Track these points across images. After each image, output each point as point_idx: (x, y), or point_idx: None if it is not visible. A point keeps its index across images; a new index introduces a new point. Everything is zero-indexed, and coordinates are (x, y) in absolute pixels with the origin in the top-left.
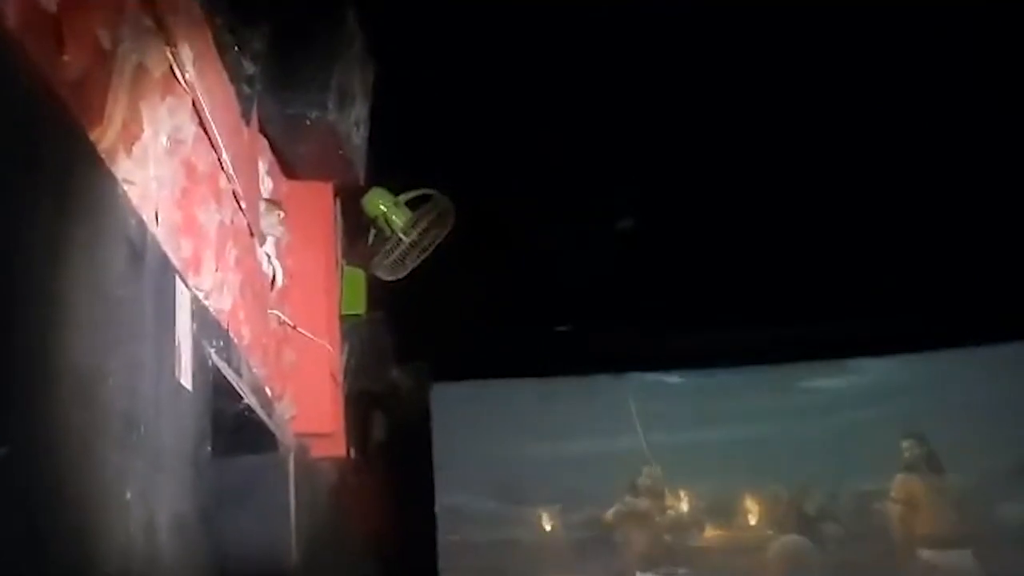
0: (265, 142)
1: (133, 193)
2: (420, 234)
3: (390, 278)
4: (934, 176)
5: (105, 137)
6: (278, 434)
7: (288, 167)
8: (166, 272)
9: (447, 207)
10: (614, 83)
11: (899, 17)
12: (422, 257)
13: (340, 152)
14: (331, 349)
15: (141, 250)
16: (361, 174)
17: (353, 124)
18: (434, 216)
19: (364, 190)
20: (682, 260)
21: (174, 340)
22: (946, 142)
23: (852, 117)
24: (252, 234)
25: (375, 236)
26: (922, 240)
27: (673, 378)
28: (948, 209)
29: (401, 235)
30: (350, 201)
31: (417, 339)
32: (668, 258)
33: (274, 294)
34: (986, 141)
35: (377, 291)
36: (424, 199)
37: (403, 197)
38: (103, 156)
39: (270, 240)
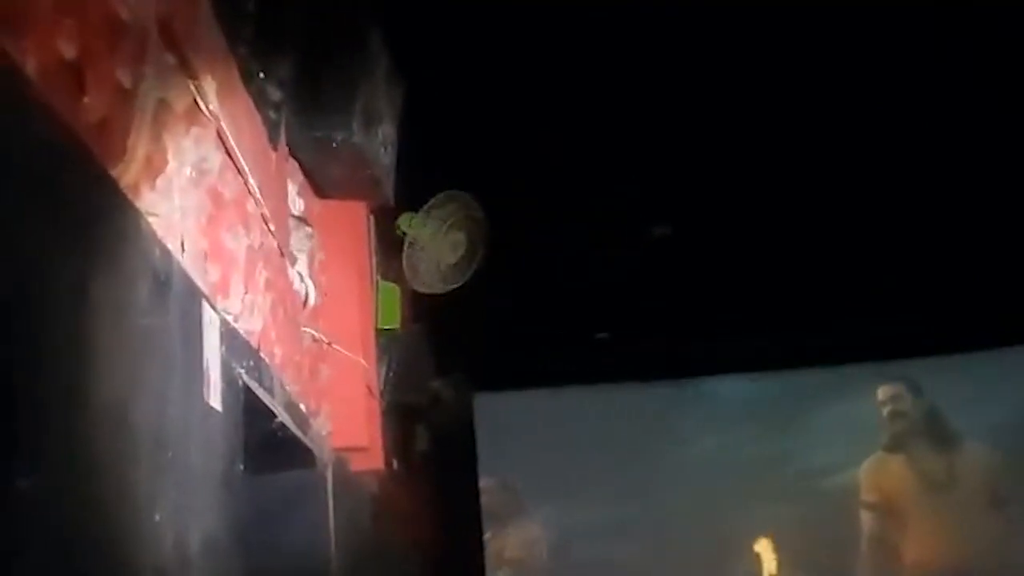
0: (295, 164)
1: (157, 225)
2: (434, 230)
3: (430, 291)
4: (962, 181)
5: (127, 173)
6: (315, 450)
7: (319, 188)
8: (193, 298)
9: (463, 200)
10: (649, 91)
11: (902, 25)
12: (468, 261)
13: (368, 172)
14: (366, 364)
15: (167, 279)
16: (390, 193)
17: (380, 145)
18: (447, 208)
19: (398, 205)
20: (722, 264)
21: (202, 363)
22: (987, 151)
23: (893, 121)
24: (283, 255)
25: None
26: (973, 240)
27: (717, 384)
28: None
29: (404, 230)
30: (385, 218)
31: (458, 350)
32: (708, 262)
33: (308, 312)
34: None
35: (417, 304)
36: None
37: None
38: (125, 191)
39: (302, 259)
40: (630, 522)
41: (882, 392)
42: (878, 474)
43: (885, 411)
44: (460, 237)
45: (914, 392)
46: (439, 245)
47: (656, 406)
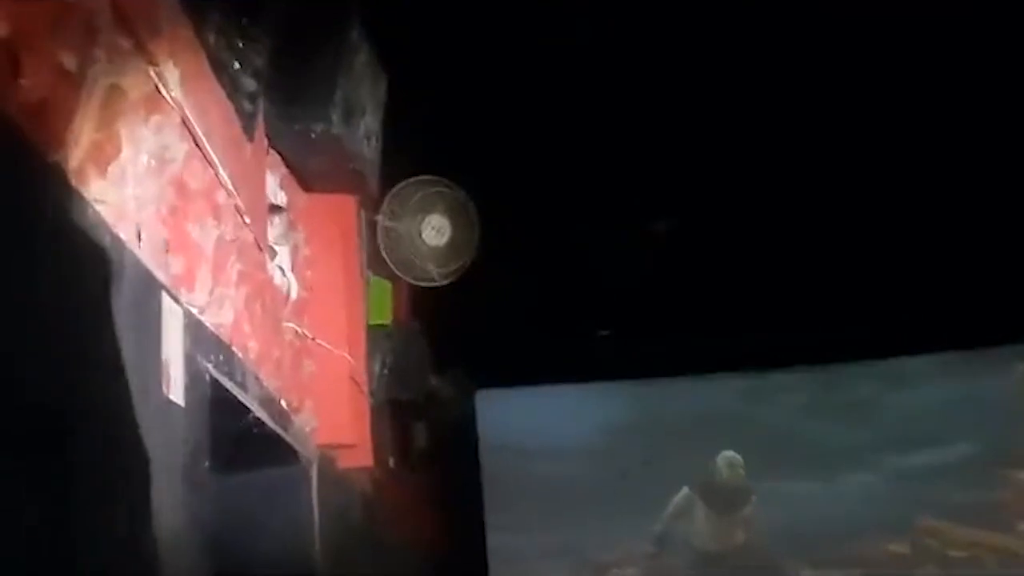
0: (278, 157)
1: (107, 213)
2: (408, 216)
3: (426, 281)
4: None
5: (71, 159)
6: (297, 446)
7: (302, 181)
8: (150, 289)
9: (432, 182)
10: (652, 89)
11: (901, 23)
12: (462, 244)
13: (350, 164)
14: (352, 359)
15: (118, 269)
16: (375, 186)
17: (363, 137)
18: (415, 192)
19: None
20: (723, 262)
21: (160, 356)
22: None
23: (896, 116)
24: (260, 248)
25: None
26: (964, 238)
27: (719, 381)
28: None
29: (376, 220)
30: (376, 213)
31: (460, 346)
32: (710, 260)
33: (290, 306)
34: None
35: (419, 300)
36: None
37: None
38: (69, 177)
39: (284, 253)
40: (633, 523)
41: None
42: None
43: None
44: (440, 220)
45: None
46: (416, 230)
47: (661, 402)
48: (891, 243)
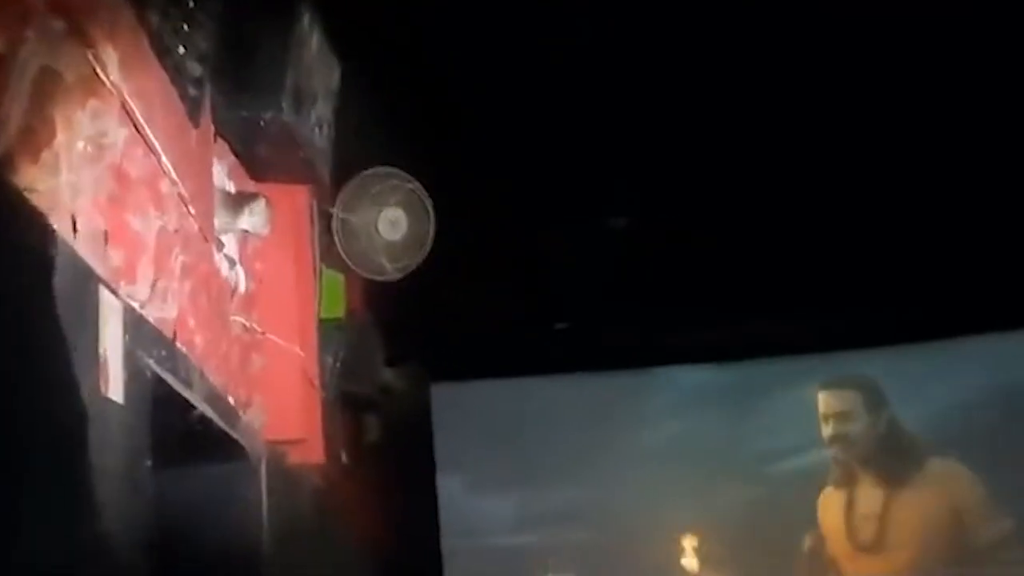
0: (225, 145)
1: (39, 202)
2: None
3: (377, 275)
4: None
5: (0, 144)
6: (245, 442)
7: (251, 170)
8: (87, 282)
9: (393, 174)
10: (612, 75)
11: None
12: (416, 239)
13: (300, 153)
14: (302, 353)
15: (52, 261)
16: (326, 176)
17: (314, 125)
18: (376, 184)
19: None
20: (680, 254)
21: (98, 352)
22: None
23: (859, 109)
24: (206, 239)
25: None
26: (933, 228)
27: (675, 373)
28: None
29: (331, 211)
30: (329, 203)
31: (414, 340)
32: (667, 252)
33: (239, 299)
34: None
35: (372, 293)
36: None
37: None
38: None
39: (232, 244)
40: (585, 512)
41: (824, 403)
42: (824, 516)
43: (826, 432)
44: (397, 214)
45: (870, 406)
46: (372, 223)
47: (617, 395)
48: (865, 235)
